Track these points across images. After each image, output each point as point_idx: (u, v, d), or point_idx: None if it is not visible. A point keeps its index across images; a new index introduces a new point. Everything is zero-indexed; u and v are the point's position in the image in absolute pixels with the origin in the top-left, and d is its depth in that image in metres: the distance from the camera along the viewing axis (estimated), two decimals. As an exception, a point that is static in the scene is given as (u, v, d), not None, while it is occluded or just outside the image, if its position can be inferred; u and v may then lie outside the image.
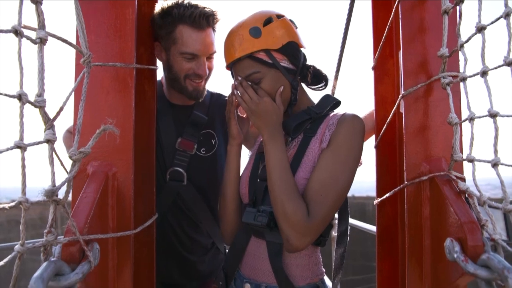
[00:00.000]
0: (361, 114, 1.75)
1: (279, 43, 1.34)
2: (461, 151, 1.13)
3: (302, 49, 1.42)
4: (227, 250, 1.67)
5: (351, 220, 3.48)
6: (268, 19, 1.36)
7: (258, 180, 1.40)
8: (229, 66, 1.42)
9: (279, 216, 1.23)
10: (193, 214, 1.71)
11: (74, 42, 1.02)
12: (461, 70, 1.07)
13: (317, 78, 1.47)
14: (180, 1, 1.55)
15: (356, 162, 1.29)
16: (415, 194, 1.18)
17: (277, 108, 1.33)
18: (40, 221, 13.59)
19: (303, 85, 1.50)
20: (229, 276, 1.43)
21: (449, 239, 0.98)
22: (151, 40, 1.50)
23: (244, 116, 1.55)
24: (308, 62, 1.45)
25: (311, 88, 1.50)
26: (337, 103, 1.45)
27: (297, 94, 1.41)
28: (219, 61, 1.84)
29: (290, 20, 1.40)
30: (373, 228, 2.94)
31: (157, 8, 1.53)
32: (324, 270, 1.45)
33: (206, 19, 1.53)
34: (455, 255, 0.94)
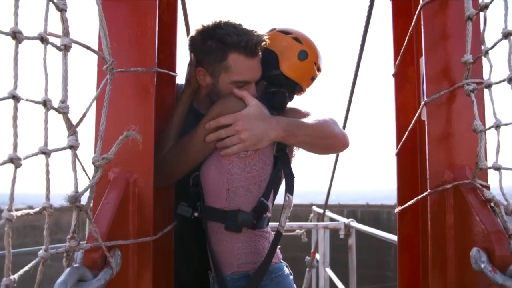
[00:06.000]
0: None
1: (268, 43, 1.52)
2: (485, 159, 1.11)
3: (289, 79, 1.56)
4: None
5: (368, 228, 3.45)
6: (285, 32, 1.58)
7: None
8: None
9: None
10: None
11: (96, 48, 1.02)
12: (485, 76, 1.06)
13: (274, 98, 1.58)
14: (225, 26, 1.49)
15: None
16: (438, 203, 1.17)
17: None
18: (55, 227, 13.71)
19: None
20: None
21: (476, 249, 0.96)
22: (171, 48, 1.50)
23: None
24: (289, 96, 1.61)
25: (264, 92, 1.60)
26: None
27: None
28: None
29: (303, 55, 1.54)
30: (388, 235, 2.91)
31: (197, 31, 1.51)
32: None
33: (259, 46, 1.50)
34: (482, 265, 0.92)
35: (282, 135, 1.42)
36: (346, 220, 3.78)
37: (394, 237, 2.75)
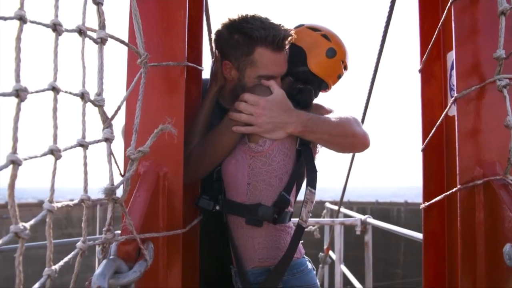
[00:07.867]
0: None
1: (296, 39, 1.52)
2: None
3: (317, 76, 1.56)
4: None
5: (386, 225, 3.45)
6: (314, 29, 1.57)
7: None
8: None
9: None
10: None
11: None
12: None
13: (300, 95, 1.56)
14: (251, 20, 1.48)
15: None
16: (468, 199, 1.16)
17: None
18: (66, 221, 13.82)
19: None
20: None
21: (509, 245, 0.96)
22: (198, 43, 1.50)
23: None
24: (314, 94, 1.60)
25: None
26: None
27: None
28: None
29: (331, 53, 1.54)
30: (408, 232, 2.89)
31: (224, 25, 1.51)
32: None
33: (286, 41, 1.50)
34: (517, 261, 0.92)
35: (300, 130, 1.41)
36: (362, 217, 3.77)
37: (412, 233, 2.74)
